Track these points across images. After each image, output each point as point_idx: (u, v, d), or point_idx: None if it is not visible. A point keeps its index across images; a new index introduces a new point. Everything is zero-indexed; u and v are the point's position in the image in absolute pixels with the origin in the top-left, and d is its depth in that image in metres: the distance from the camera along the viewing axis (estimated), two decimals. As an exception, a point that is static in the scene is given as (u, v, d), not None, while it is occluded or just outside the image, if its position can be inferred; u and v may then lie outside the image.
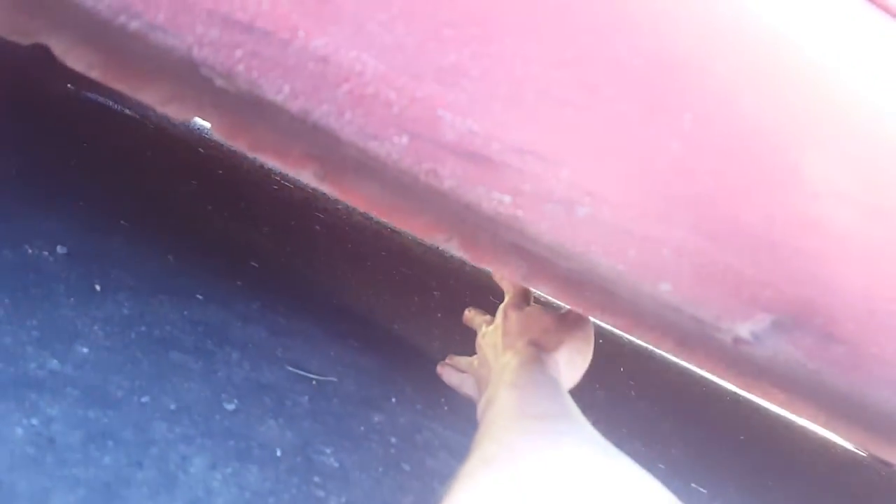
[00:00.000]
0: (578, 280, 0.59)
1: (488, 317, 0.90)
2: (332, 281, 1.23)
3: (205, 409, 0.64)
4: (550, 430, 0.48)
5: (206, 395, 0.66)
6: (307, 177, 0.59)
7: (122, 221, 0.92)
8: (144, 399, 0.60)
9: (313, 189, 1.99)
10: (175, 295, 0.83)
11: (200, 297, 0.86)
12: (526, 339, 0.75)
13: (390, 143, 0.40)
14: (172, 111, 0.56)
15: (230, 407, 0.66)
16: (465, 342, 0.95)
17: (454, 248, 0.60)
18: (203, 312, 0.83)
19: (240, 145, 0.57)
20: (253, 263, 1.08)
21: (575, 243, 0.43)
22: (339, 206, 1.75)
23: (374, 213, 0.58)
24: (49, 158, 1.04)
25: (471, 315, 0.94)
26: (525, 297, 0.86)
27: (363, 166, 0.58)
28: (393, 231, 1.79)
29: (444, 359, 0.95)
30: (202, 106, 0.58)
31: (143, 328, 0.71)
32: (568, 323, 0.78)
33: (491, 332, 0.82)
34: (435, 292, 1.59)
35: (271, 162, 0.56)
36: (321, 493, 0.61)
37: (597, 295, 0.59)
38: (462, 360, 0.91)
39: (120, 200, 1.04)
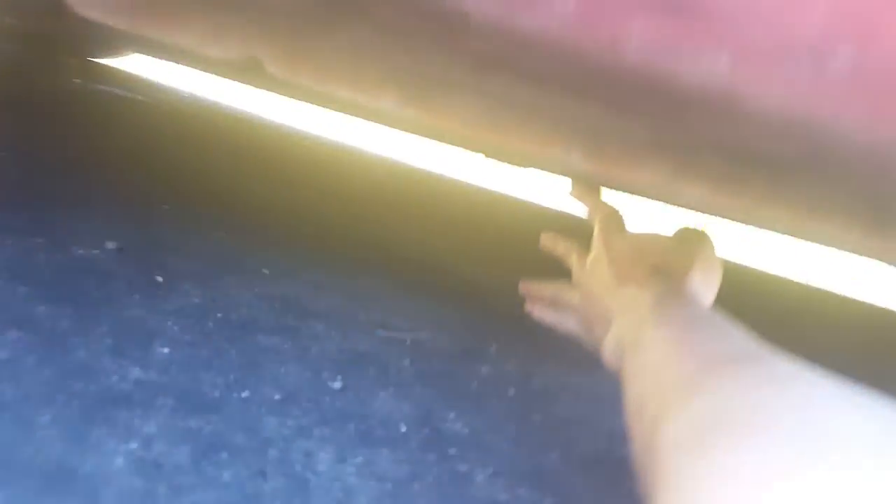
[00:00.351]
0: (740, 173, 0.49)
1: (574, 243, 0.80)
2: (392, 237, 1.14)
3: (312, 392, 0.55)
4: (783, 378, 0.38)
5: (307, 376, 0.57)
6: (388, 102, 0.50)
7: (164, 206, 0.83)
8: (245, 394, 0.52)
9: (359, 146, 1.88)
10: (240, 274, 0.74)
11: (266, 271, 0.77)
12: (646, 266, 0.65)
13: (549, 10, 0.29)
14: (217, 49, 0.46)
15: (337, 385, 0.58)
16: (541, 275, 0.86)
17: (576, 161, 0.50)
18: (274, 287, 0.74)
19: (303, 77, 0.48)
20: (308, 230, 0.99)
21: (819, 110, 0.32)
22: (385, 162, 1.65)
23: (469, 133, 0.49)
24: (68, 156, 0.95)
25: (552, 238, 0.83)
26: (621, 220, 0.75)
27: (452, 82, 0.48)
28: (445, 181, 1.69)
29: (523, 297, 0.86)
30: (248, 38, 0.48)
31: (219, 314, 0.63)
32: (688, 241, 0.68)
33: (593, 264, 0.72)
34: (489, 229, 1.50)
35: (344, 90, 0.47)
36: (464, 467, 0.53)
37: (762, 187, 0.50)
38: (549, 289, 0.82)
39: (155, 186, 0.95)
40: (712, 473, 0.33)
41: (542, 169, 1.02)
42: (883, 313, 2.24)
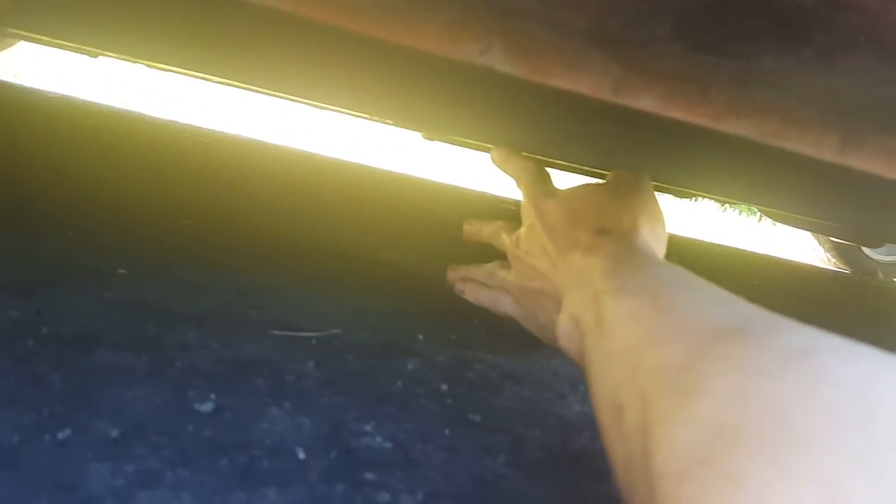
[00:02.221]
0: (701, 74, 0.38)
1: (499, 222, 0.69)
2: (294, 228, 1.00)
3: (169, 421, 0.40)
4: (810, 351, 0.26)
5: (164, 400, 0.43)
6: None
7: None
8: (63, 435, 0.37)
9: (239, 133, 1.75)
10: (86, 278, 0.59)
11: (123, 271, 0.62)
12: (589, 227, 0.54)
13: None
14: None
15: (207, 408, 0.43)
16: (471, 258, 0.74)
17: (496, 61, 0.37)
18: (131, 290, 0.59)
19: None
20: (186, 222, 0.83)
21: None
22: (269, 145, 1.50)
23: (361, 29, 0.36)
24: None
25: (475, 226, 0.73)
26: (548, 179, 0.65)
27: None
28: (342, 163, 1.56)
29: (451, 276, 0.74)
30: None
31: (44, 330, 0.47)
32: (627, 189, 0.58)
33: (527, 235, 0.60)
34: (410, 214, 1.37)
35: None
36: (385, 496, 0.39)
37: (732, 91, 0.38)
38: (478, 271, 0.71)
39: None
40: (750, 502, 0.21)
41: (480, 143, 0.91)
42: (795, 267, 2.22)
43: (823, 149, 0.39)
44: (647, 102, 0.39)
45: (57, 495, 0.32)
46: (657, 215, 0.57)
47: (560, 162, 0.90)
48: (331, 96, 0.78)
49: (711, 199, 1.17)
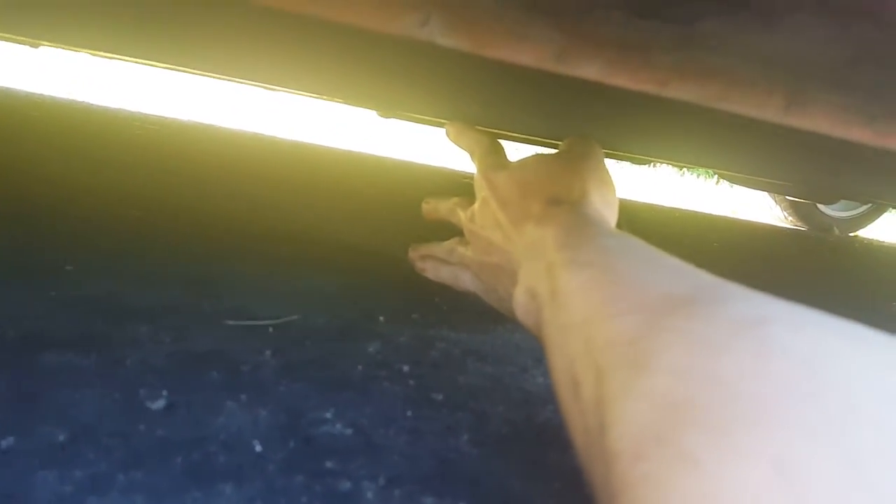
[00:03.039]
0: (646, 38, 0.37)
1: (456, 198, 0.68)
2: (248, 212, 0.98)
3: (119, 422, 0.39)
4: (761, 320, 0.26)
5: (114, 399, 0.42)
6: None
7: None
8: (6, 443, 0.35)
9: (187, 119, 1.73)
10: (29, 276, 0.57)
11: (70, 268, 0.60)
12: (541, 198, 0.54)
13: None
14: None
15: (159, 405, 0.42)
16: (432, 235, 0.73)
17: (436, 34, 0.37)
18: (79, 287, 0.57)
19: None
20: (134, 212, 0.81)
21: None
22: (215, 133, 1.47)
23: (297, 9, 0.35)
24: None
25: (433, 204, 0.72)
26: (501, 152, 0.64)
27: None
28: (295, 144, 1.54)
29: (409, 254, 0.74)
30: None
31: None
32: (577, 157, 0.58)
33: (480, 209, 0.60)
34: (367, 193, 1.36)
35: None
36: (347, 484, 0.38)
37: (675, 56, 0.38)
38: (438, 248, 0.70)
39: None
40: (701, 488, 0.21)
41: (435, 119, 0.90)
42: (753, 227, 2.26)
43: (768, 110, 0.39)
44: (590, 71, 0.38)
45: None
46: (607, 181, 0.57)
47: (515, 134, 0.89)
48: (278, 76, 0.77)
49: (667, 164, 1.18)
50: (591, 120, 0.65)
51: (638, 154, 0.86)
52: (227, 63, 0.73)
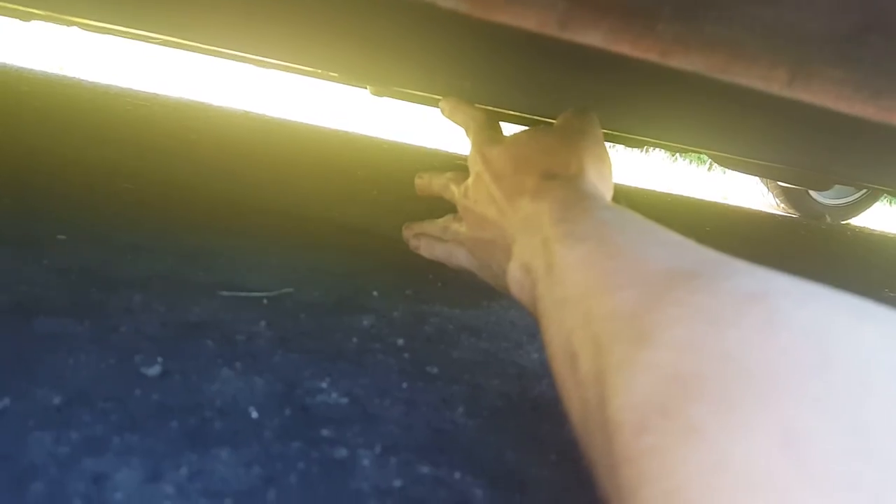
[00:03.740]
0: (648, 6, 0.37)
1: (449, 173, 0.68)
2: (242, 187, 0.97)
3: (114, 386, 0.39)
4: (765, 294, 0.25)
5: (109, 365, 0.41)
6: None
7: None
8: (2, 404, 0.35)
9: (180, 96, 1.72)
10: (22, 244, 0.56)
11: (63, 237, 0.60)
12: (535, 172, 0.53)
13: None
14: None
15: (154, 371, 0.42)
16: (425, 213, 0.73)
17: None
18: (72, 256, 0.56)
19: None
20: (126, 185, 0.81)
21: None
22: (209, 111, 1.47)
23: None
24: None
25: (426, 179, 0.72)
26: (496, 127, 0.64)
27: None
28: (290, 123, 1.53)
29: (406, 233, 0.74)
30: None
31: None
32: (573, 132, 0.58)
33: (474, 184, 0.60)
34: (360, 172, 1.35)
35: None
36: (343, 452, 0.38)
37: (679, 25, 0.38)
38: (432, 226, 0.70)
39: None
40: (708, 460, 0.21)
41: (428, 96, 0.90)
42: (745, 213, 2.26)
43: (772, 82, 0.39)
44: (593, 37, 0.38)
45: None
46: (604, 157, 0.57)
47: (511, 112, 0.89)
48: (269, 49, 0.76)
49: (661, 146, 1.17)
50: (587, 98, 0.65)
51: (634, 133, 0.85)
52: (217, 35, 0.72)
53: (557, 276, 0.39)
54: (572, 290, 0.36)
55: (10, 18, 1.00)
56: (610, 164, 0.57)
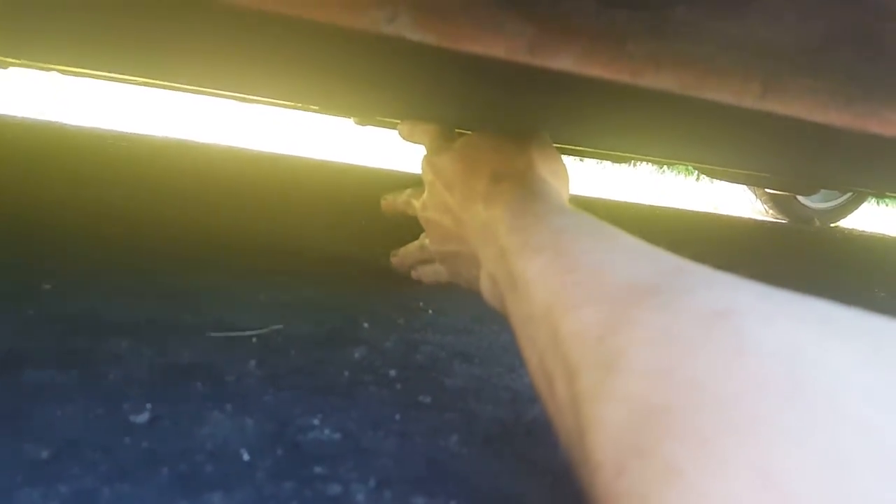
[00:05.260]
0: (619, 29, 0.37)
1: (410, 189, 0.67)
2: (225, 226, 0.97)
3: (103, 436, 0.39)
4: (735, 310, 0.25)
5: (98, 414, 0.41)
6: None
7: None
8: (-11, 462, 0.35)
9: (160, 134, 1.72)
10: (8, 295, 0.56)
11: (48, 286, 0.59)
12: (485, 174, 0.52)
13: None
14: None
15: (143, 418, 0.41)
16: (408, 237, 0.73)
17: (405, 30, 0.36)
18: (58, 304, 0.56)
19: None
20: (112, 229, 0.81)
21: None
22: (208, 149, 1.47)
23: (262, 6, 0.34)
24: None
25: (389, 199, 0.71)
26: (449, 136, 0.64)
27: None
28: (267, 155, 1.53)
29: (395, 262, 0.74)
30: None
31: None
32: (521, 134, 0.57)
33: (429, 194, 0.59)
34: (344, 200, 1.35)
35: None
36: (337, 488, 0.38)
37: (647, 43, 0.38)
38: (412, 249, 0.70)
39: None
40: (690, 494, 0.20)
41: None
42: (735, 222, 2.28)
43: (745, 96, 0.39)
44: (564, 62, 0.38)
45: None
46: (553, 155, 0.55)
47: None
48: (250, 86, 0.76)
49: (647, 160, 1.18)
50: (568, 117, 0.65)
51: (618, 150, 0.86)
52: (198, 74, 0.72)
53: (521, 291, 0.38)
54: (536, 306, 0.35)
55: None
56: (561, 161, 0.56)
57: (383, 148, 2.60)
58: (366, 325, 0.65)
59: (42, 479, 0.34)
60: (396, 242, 0.76)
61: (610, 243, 0.37)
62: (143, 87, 1.01)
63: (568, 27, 0.37)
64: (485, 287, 0.47)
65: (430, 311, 0.72)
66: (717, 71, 0.38)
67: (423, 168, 0.61)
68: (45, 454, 0.36)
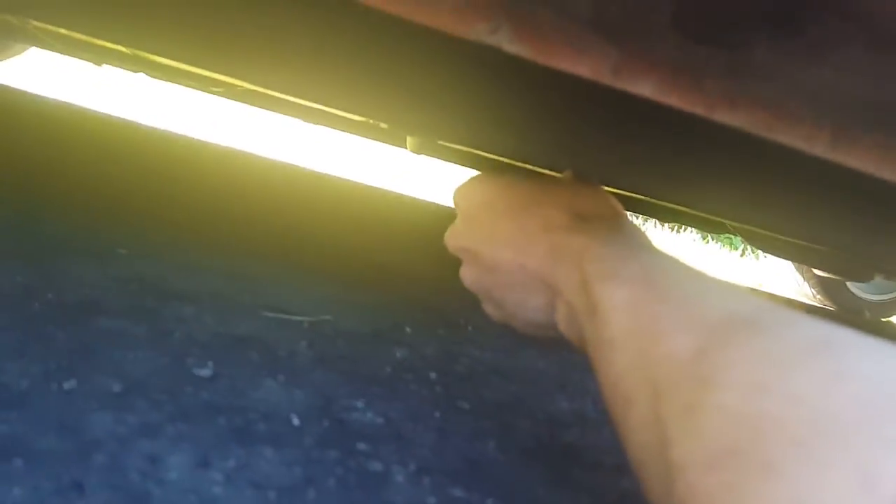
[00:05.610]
0: (698, 59, 0.39)
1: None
2: (288, 230, 1.01)
3: (168, 382, 0.41)
4: (819, 346, 0.26)
5: (164, 363, 0.43)
6: None
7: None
8: (69, 385, 0.37)
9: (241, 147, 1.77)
10: (87, 254, 0.59)
11: (123, 251, 0.63)
12: (564, 209, 0.49)
13: None
14: None
15: (205, 373, 0.44)
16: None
17: (504, 41, 0.39)
18: (130, 268, 0.59)
19: None
20: (179, 216, 0.84)
21: None
22: (279, 167, 1.52)
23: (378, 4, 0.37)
24: None
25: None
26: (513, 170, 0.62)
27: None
28: (337, 180, 1.57)
29: (443, 281, 0.73)
30: None
31: (49, 295, 0.48)
32: (593, 182, 0.55)
33: (470, 220, 0.54)
34: (399, 225, 1.38)
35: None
36: (378, 465, 0.40)
37: (726, 82, 0.40)
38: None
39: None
40: (786, 497, 0.21)
41: (469, 155, 0.92)
42: (779, 302, 2.24)
43: (815, 143, 0.40)
44: (644, 87, 0.40)
45: (63, 435, 0.33)
46: (613, 201, 0.53)
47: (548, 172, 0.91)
48: (320, 95, 0.77)
49: (694, 220, 1.18)
50: (628, 161, 0.67)
51: (670, 199, 0.87)
52: (284, 79, 0.75)
53: (603, 317, 0.38)
54: (619, 333, 0.36)
55: (82, 62, 1.06)
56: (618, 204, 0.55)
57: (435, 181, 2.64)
58: (408, 329, 0.67)
59: (113, 407, 0.36)
60: (443, 259, 0.77)
61: (701, 280, 0.38)
62: (226, 99, 1.05)
63: (651, 56, 0.39)
64: (560, 313, 0.46)
65: (470, 328, 0.74)
66: (790, 114, 0.40)
67: (464, 192, 0.56)
68: (116, 388, 0.38)
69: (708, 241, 3.87)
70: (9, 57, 1.63)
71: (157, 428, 0.36)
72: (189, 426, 0.37)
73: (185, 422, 0.37)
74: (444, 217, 1.63)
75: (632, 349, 0.34)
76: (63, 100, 1.68)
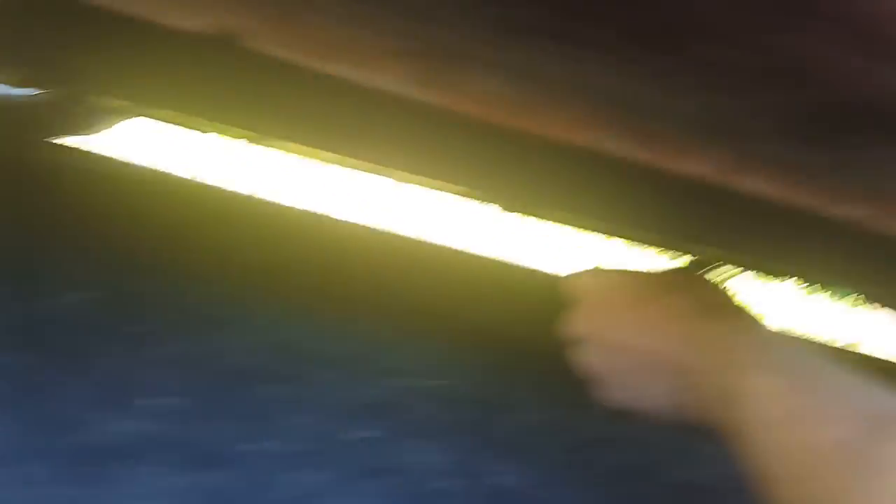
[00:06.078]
0: (807, 159, 0.42)
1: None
2: (392, 298, 1.06)
3: (329, 444, 0.47)
4: None
5: (325, 427, 0.50)
6: (390, 80, 0.44)
7: (140, 261, 0.76)
8: (256, 446, 0.44)
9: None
10: (230, 325, 0.66)
11: (264, 321, 0.70)
12: (691, 304, 0.51)
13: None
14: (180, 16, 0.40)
15: (363, 435, 0.50)
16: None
17: (625, 148, 0.44)
18: (271, 335, 0.66)
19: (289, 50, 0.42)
20: (299, 289, 0.92)
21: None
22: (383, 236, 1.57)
23: (493, 118, 0.43)
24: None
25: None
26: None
27: (469, 54, 0.42)
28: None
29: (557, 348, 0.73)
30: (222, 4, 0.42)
31: (211, 363, 0.55)
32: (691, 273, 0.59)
33: (605, 311, 0.56)
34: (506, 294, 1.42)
35: (339, 65, 0.40)
36: None
37: (833, 172, 0.43)
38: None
39: (134, 248, 0.87)
40: None
41: (563, 220, 0.94)
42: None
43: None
44: (754, 184, 0.44)
45: (257, 495, 0.39)
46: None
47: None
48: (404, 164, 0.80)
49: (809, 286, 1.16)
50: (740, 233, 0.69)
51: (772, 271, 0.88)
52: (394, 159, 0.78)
53: (747, 405, 0.40)
54: (763, 420, 0.38)
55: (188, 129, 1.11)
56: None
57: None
58: (524, 395, 0.71)
59: (286, 469, 0.42)
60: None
61: (842, 375, 0.40)
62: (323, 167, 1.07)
63: (761, 155, 0.43)
64: (694, 396, 0.48)
65: (586, 395, 0.77)
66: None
67: (585, 284, 0.57)
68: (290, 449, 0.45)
69: (811, 294, 3.71)
70: (100, 130, 1.66)
71: (315, 487, 0.41)
72: (356, 487, 0.43)
73: (352, 483, 0.43)
74: (541, 282, 1.65)
75: (780, 436, 0.37)
76: (197, 179, 1.78)
